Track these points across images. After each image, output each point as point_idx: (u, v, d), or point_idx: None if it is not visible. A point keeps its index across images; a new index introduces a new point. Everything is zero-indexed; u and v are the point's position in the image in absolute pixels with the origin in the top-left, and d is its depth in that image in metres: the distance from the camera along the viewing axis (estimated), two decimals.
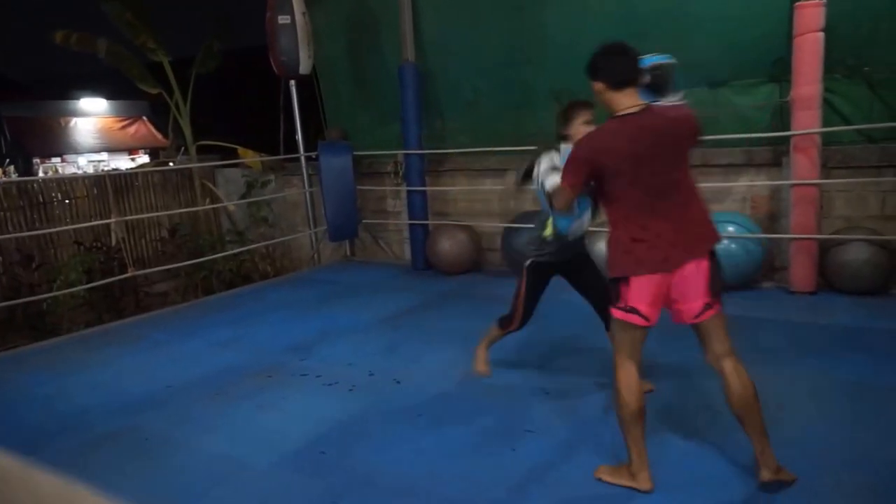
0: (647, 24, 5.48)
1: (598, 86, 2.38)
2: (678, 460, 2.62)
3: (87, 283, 5.97)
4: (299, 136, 7.25)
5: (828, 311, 4.51)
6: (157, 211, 7.87)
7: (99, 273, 6.32)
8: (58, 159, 15.30)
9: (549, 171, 2.77)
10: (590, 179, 2.38)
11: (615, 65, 2.37)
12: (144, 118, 16.37)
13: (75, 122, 15.66)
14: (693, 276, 2.32)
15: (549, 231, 3.09)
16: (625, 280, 2.32)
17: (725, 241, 4.96)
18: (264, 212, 7.97)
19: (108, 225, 6.65)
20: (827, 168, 4.95)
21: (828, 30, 4.61)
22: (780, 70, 5.01)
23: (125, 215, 7.26)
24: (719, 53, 5.25)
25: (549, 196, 2.71)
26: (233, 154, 8.28)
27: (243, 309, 5.50)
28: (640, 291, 2.31)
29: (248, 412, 3.33)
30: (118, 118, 16.22)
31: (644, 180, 2.28)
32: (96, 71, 12.74)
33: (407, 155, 6.58)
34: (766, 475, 2.31)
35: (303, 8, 6.57)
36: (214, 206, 8.18)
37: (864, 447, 2.65)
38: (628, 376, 2.37)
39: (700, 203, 2.41)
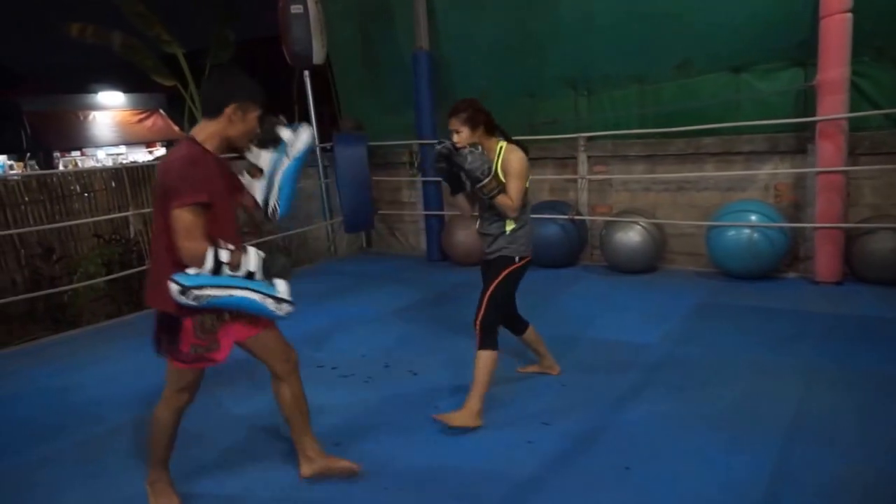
0: (663, 7, 5.35)
1: None
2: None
3: (107, 275, 6.01)
4: (314, 127, 7.23)
5: (853, 301, 4.40)
6: None
7: (118, 265, 6.36)
8: (77, 153, 15.47)
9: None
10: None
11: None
12: (161, 111, 16.49)
13: (94, 116, 15.82)
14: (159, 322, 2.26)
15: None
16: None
17: (748, 231, 4.86)
18: None
19: (126, 217, 6.69)
20: (854, 155, 4.81)
21: (856, 10, 4.45)
22: (804, 53, 4.87)
23: (143, 208, 7.30)
24: (741, 37, 5.11)
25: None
26: None
27: None
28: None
29: (263, 403, 3.31)
30: (135, 111, 16.36)
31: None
32: (112, 64, 12.81)
33: (422, 145, 6.53)
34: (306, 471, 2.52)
35: None
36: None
37: (888, 439, 2.58)
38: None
39: (160, 262, 2.17)
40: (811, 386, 3.12)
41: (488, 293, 2.94)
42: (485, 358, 2.87)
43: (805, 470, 2.41)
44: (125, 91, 16.28)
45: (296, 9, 6.41)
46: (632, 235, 5.42)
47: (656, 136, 5.66)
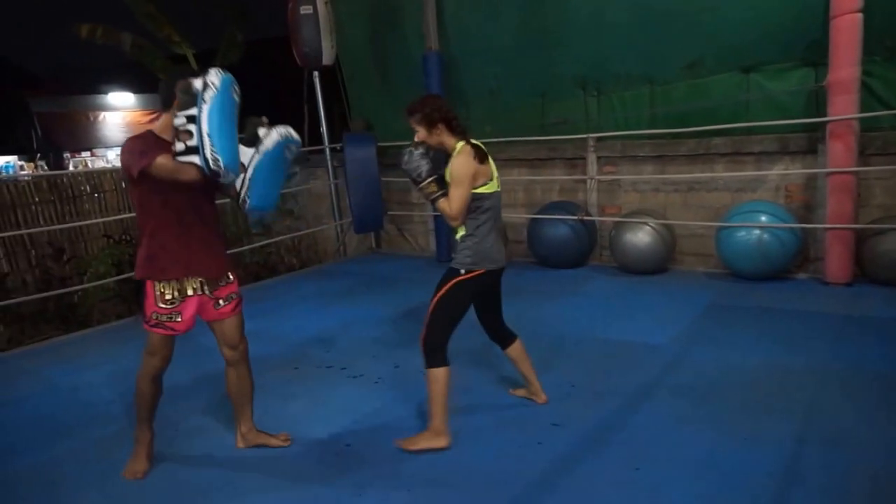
0: (674, 8, 5.34)
1: None
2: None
3: (116, 275, 6.06)
4: (323, 128, 7.24)
5: (863, 302, 4.37)
6: None
7: (128, 265, 6.40)
8: (87, 153, 15.56)
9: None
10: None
11: None
12: None
13: (104, 117, 15.91)
14: None
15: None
16: None
17: (758, 231, 4.85)
18: (290, 204, 8.01)
19: (135, 218, 6.74)
20: (865, 155, 4.78)
21: (867, 10, 4.43)
22: (815, 53, 4.84)
23: None
24: (751, 36, 5.09)
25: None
26: None
27: (269, 301, 5.53)
28: None
29: (273, 404, 3.33)
30: (145, 112, 16.43)
31: None
32: (122, 64, 12.87)
33: None
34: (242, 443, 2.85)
35: None
36: None
37: None
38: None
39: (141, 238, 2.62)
40: (821, 387, 3.10)
41: (430, 308, 2.75)
42: (432, 377, 2.70)
43: (815, 471, 2.40)
44: (135, 91, 16.38)
45: (305, 10, 6.43)
46: (641, 236, 5.41)
47: (666, 136, 5.64)
